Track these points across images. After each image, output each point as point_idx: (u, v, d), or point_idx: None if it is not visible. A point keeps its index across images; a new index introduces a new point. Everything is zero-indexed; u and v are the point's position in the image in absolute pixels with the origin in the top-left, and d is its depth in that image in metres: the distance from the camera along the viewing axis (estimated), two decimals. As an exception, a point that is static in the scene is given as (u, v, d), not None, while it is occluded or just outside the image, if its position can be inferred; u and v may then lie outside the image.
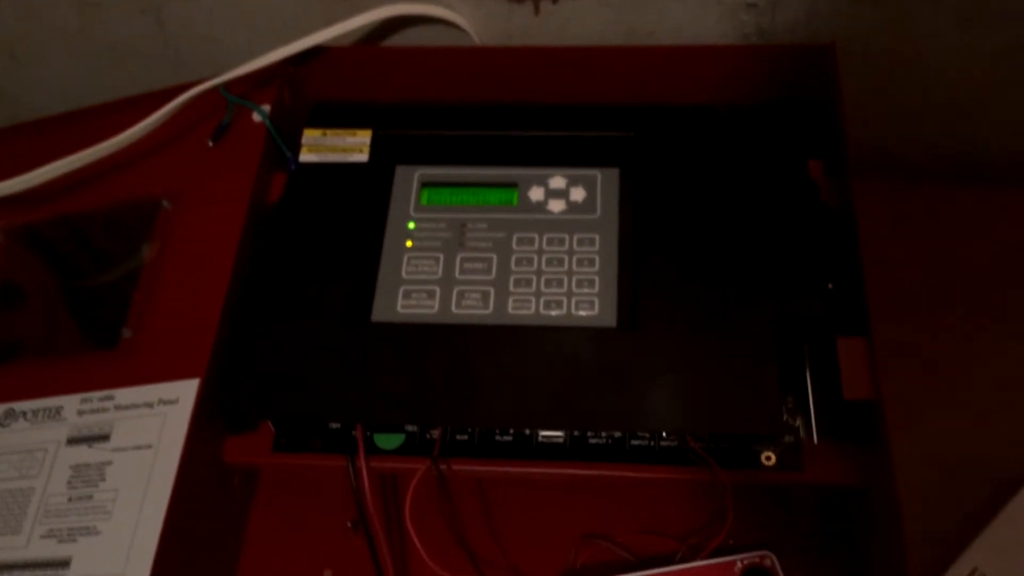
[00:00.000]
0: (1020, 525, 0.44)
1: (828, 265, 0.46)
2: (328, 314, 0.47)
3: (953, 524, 0.44)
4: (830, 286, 0.46)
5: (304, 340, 0.46)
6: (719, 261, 0.46)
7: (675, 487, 0.48)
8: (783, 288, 0.45)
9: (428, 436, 0.46)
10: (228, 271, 0.49)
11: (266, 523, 0.51)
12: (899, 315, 0.48)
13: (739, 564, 0.44)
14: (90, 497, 0.46)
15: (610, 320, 0.45)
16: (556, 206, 0.49)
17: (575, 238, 0.48)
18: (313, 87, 0.57)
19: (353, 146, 0.52)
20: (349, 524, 0.49)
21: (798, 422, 0.45)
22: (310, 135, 0.52)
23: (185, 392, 0.47)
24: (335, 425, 0.47)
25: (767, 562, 0.44)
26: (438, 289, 0.47)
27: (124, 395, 0.48)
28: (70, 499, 0.46)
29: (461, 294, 0.47)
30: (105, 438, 0.47)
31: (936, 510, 0.45)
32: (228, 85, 0.54)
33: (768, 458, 0.44)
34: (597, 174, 0.50)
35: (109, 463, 0.47)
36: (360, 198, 0.50)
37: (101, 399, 0.49)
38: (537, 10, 0.54)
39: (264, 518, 0.51)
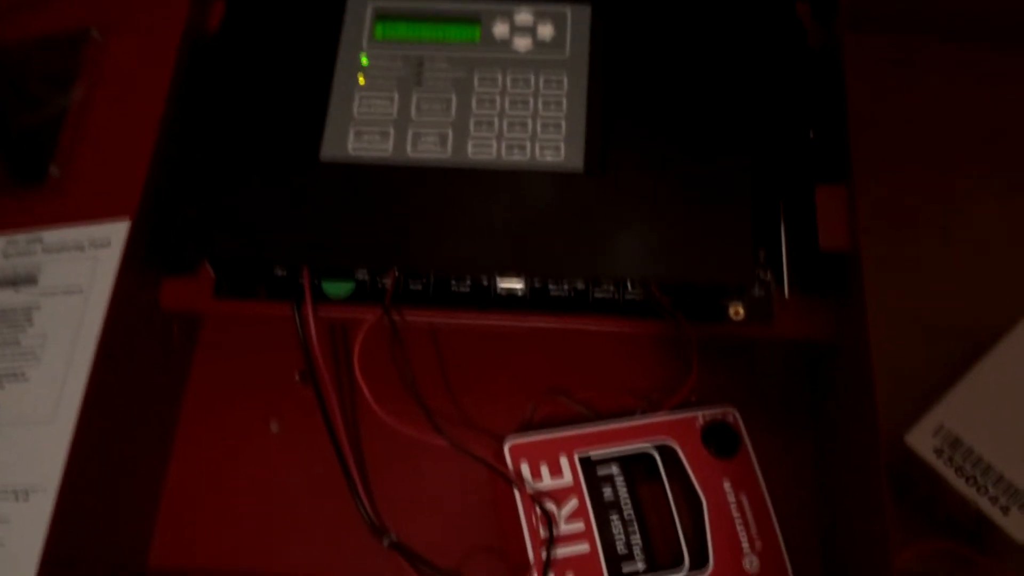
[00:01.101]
0: (988, 384, 0.43)
1: (811, 112, 0.43)
2: (272, 151, 0.43)
3: (923, 383, 0.43)
4: (811, 134, 0.43)
5: (246, 177, 0.42)
6: (695, 104, 0.43)
7: (638, 342, 0.46)
8: (762, 134, 0.42)
9: (379, 284, 0.44)
10: (161, 104, 0.45)
11: (209, 374, 0.48)
12: (881, 171, 0.46)
13: (701, 419, 0.43)
14: (17, 342, 0.43)
15: (577, 164, 0.42)
16: (522, 44, 0.45)
17: (541, 79, 0.45)
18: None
19: (301, -30, 0.47)
20: (297, 376, 0.47)
21: (769, 276, 0.43)
22: (253, -43, 0.48)
23: (116, 233, 0.44)
24: (280, 272, 0.44)
25: (729, 417, 0.43)
26: (392, 130, 0.44)
27: (52, 236, 0.45)
28: (-4, 344, 0.43)
29: (417, 135, 0.44)
30: (32, 281, 0.44)
31: (907, 368, 0.44)
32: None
33: (736, 312, 0.42)
34: (567, 10, 0.46)
35: (37, 307, 0.44)
36: (308, 29, 0.46)
37: (28, 241, 0.45)
38: None
39: (207, 369, 0.49)
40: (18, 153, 0.50)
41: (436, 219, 0.41)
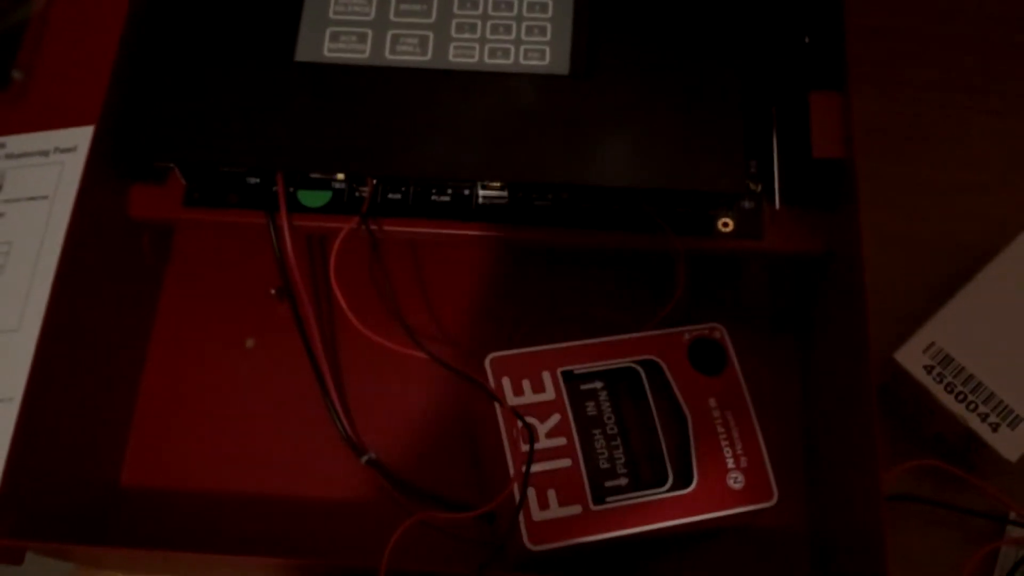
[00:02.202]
0: (980, 302, 0.42)
1: (806, 16, 0.42)
2: (245, 53, 0.41)
3: (914, 300, 0.42)
4: (806, 39, 0.41)
5: (217, 80, 0.41)
6: (686, 7, 0.41)
7: (624, 255, 0.45)
8: (754, 38, 0.41)
9: (357, 193, 0.42)
10: (126, 4, 0.43)
11: (182, 286, 0.47)
12: (876, 81, 0.45)
13: (687, 335, 0.42)
14: (-19, 251, 0.42)
15: (562, 69, 0.41)
16: (507, -56, 0.43)
17: (527, -20, 0.43)
18: None
19: None
20: (273, 291, 0.45)
21: (759, 188, 0.41)
22: None
23: (83, 139, 0.42)
24: (253, 179, 0.42)
25: (716, 334, 0.42)
26: (370, 31, 0.42)
27: (17, 142, 0.43)
28: (-41, 253, 0.41)
29: (396, 38, 0.42)
30: (-5, 188, 0.43)
31: (898, 285, 0.43)
32: None
33: (725, 224, 0.41)
34: (554, -90, 0.44)
35: (1, 215, 0.42)
36: (282, -74, 0.44)
37: (-10, 147, 0.44)
38: None
39: (180, 281, 0.47)
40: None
41: (416, 125, 0.40)
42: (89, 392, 0.42)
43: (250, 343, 0.46)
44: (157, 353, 0.46)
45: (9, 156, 0.43)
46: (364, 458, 0.42)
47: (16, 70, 0.45)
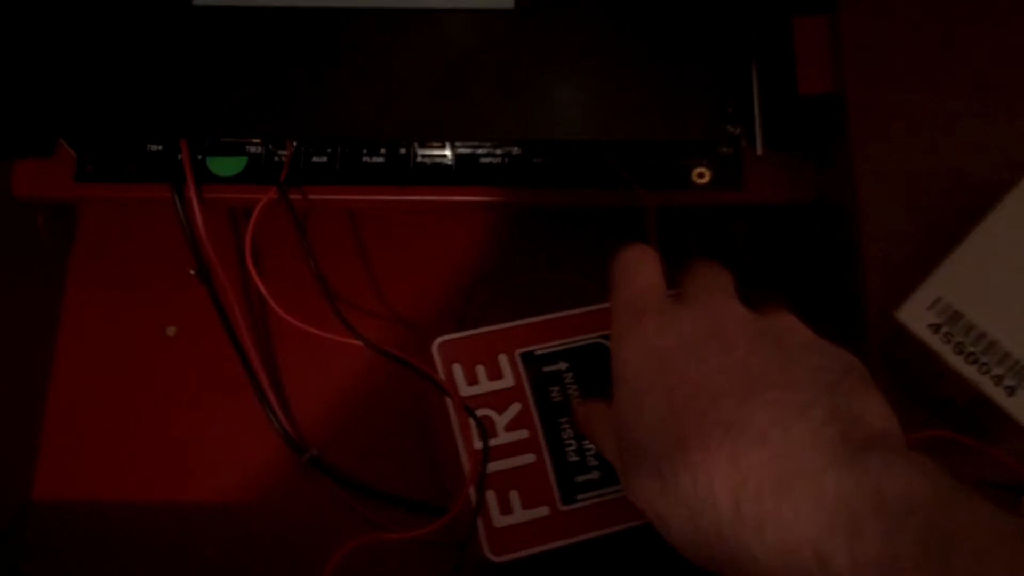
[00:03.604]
0: (990, 249, 0.37)
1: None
2: (133, -1, 0.35)
3: (916, 249, 0.37)
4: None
5: (104, 33, 0.35)
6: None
7: (585, 216, 0.40)
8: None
9: (276, 158, 0.37)
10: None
11: (90, 274, 0.42)
12: (867, 4, 0.39)
13: (662, 303, 0.37)
14: None
15: (507, 1, 0.35)
16: None
17: None
18: None
19: None
20: (192, 272, 0.40)
21: (738, 132, 0.36)
22: None
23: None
24: (155, 147, 0.36)
25: (695, 300, 0.37)
26: (280, -34, 0.36)
27: None
28: None
29: (311, -28, 0.36)
30: None
31: (898, 233, 0.38)
32: None
33: (701, 175, 0.36)
34: None
35: None
36: None
37: None
38: None
39: (87, 270, 0.41)
40: None
41: (340, 76, 0.34)
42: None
43: (171, 331, 0.41)
44: (66, 349, 0.41)
45: None
46: (305, 456, 0.38)
47: None
